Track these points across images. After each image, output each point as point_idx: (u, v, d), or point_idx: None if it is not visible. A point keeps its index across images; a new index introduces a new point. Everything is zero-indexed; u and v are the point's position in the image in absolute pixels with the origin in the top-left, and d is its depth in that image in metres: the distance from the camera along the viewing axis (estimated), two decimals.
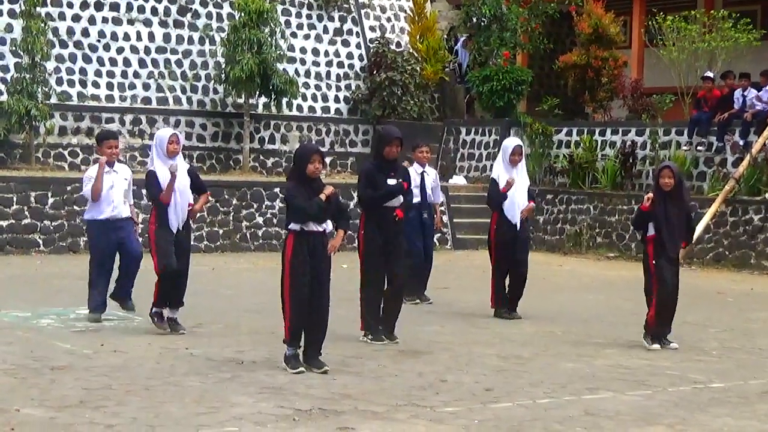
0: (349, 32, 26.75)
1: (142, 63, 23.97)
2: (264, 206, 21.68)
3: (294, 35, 25.68)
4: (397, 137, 11.43)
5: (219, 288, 15.47)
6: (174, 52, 24.38)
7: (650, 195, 11.31)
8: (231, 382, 9.19)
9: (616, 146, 22.67)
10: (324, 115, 25.86)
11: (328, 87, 26.13)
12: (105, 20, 23.79)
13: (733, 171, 20.42)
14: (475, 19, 25.86)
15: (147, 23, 24.25)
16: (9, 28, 22.50)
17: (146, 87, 23.92)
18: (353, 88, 26.32)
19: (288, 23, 25.55)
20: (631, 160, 22.10)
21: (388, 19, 27.53)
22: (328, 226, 9.83)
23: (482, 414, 8.36)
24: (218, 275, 17.16)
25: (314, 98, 25.86)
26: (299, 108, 25.48)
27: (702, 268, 19.84)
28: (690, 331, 12.58)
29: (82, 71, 23.30)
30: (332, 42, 26.43)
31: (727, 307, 15.19)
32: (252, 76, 22.92)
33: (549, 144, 23.91)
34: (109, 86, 23.54)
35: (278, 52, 23.63)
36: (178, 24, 24.59)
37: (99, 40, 23.63)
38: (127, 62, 23.81)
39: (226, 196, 21.34)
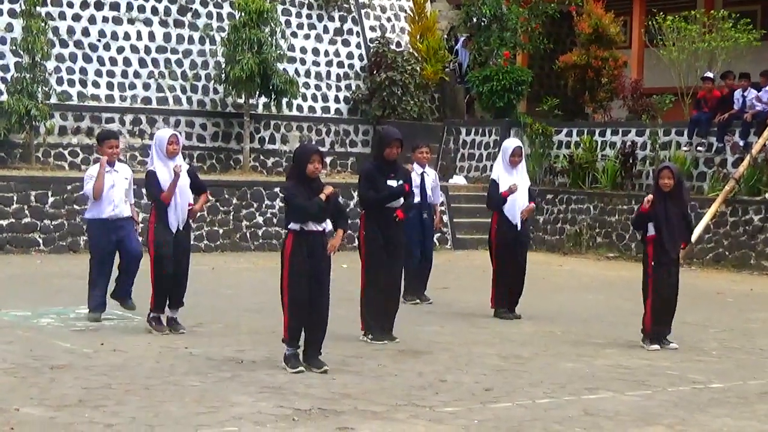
0: (350, 32, 26.75)
1: (142, 63, 23.98)
2: (264, 206, 21.68)
3: (294, 35, 25.69)
4: (397, 138, 11.43)
5: (219, 287, 15.48)
6: (174, 51, 24.38)
7: (650, 197, 11.31)
8: (231, 382, 9.20)
9: (616, 146, 22.67)
10: (324, 115, 25.86)
11: (328, 87, 26.14)
12: (105, 20, 23.79)
13: (733, 171, 20.42)
14: (475, 19, 25.86)
15: (147, 23, 24.25)
16: (9, 28, 22.50)
17: (146, 87, 23.92)
18: (353, 88, 26.32)
19: (288, 23, 25.55)
20: (631, 161, 22.10)
21: (389, 19, 27.54)
22: (328, 225, 9.84)
23: (482, 414, 8.36)
24: (218, 275, 17.16)
25: (314, 98, 25.86)
26: (299, 108, 25.49)
27: (702, 268, 19.84)
28: (690, 332, 12.59)
29: (83, 71, 23.30)
30: (332, 42, 26.43)
31: (727, 308, 15.19)
32: (252, 75, 22.92)
33: (549, 144, 23.91)
34: (110, 86, 23.54)
35: (278, 51, 23.63)
36: (178, 24, 24.59)
37: (99, 40, 23.63)
38: (127, 62, 23.81)
39: (227, 196, 21.34)
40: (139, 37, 24.08)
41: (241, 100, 24.04)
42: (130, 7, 24.10)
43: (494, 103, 25.01)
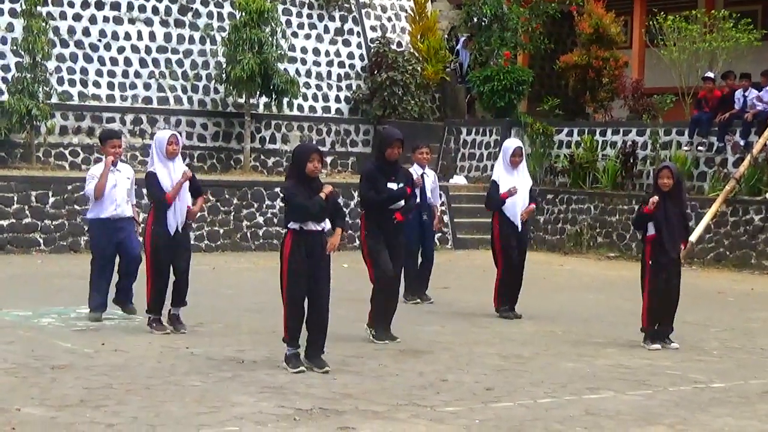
0: (350, 32, 26.76)
1: (143, 62, 23.98)
2: (264, 206, 21.68)
3: (295, 35, 25.69)
4: (398, 139, 11.42)
5: (219, 287, 15.47)
6: (175, 51, 24.39)
7: (655, 198, 11.26)
8: (232, 382, 9.20)
9: (616, 146, 22.67)
10: (325, 115, 25.86)
11: (329, 87, 26.14)
12: (106, 19, 23.79)
13: (733, 171, 20.42)
14: (476, 19, 25.86)
15: (148, 23, 24.25)
16: (10, 28, 22.50)
17: (147, 87, 23.93)
18: (354, 88, 26.33)
19: (289, 23, 25.56)
20: (631, 161, 22.10)
21: (389, 19, 27.54)
22: (327, 225, 9.84)
23: (483, 413, 8.36)
24: (219, 275, 17.16)
25: (315, 98, 25.86)
26: (300, 108, 25.49)
27: (702, 267, 19.84)
28: (691, 331, 12.59)
29: (83, 71, 23.31)
30: (333, 42, 26.43)
31: (728, 307, 15.19)
32: (253, 75, 22.93)
33: (550, 144, 23.91)
34: (110, 86, 23.54)
35: (279, 51, 23.64)
36: (179, 23, 24.59)
37: (100, 40, 23.64)
38: (128, 62, 23.82)
39: (227, 196, 21.34)
40: (139, 36, 24.09)
41: (241, 100, 24.04)
42: (130, 6, 24.10)
43: (495, 103, 25.01)
